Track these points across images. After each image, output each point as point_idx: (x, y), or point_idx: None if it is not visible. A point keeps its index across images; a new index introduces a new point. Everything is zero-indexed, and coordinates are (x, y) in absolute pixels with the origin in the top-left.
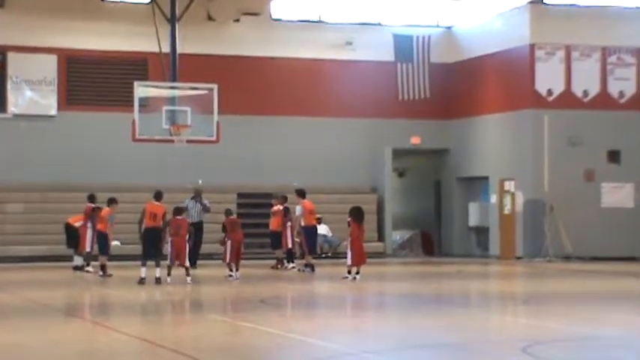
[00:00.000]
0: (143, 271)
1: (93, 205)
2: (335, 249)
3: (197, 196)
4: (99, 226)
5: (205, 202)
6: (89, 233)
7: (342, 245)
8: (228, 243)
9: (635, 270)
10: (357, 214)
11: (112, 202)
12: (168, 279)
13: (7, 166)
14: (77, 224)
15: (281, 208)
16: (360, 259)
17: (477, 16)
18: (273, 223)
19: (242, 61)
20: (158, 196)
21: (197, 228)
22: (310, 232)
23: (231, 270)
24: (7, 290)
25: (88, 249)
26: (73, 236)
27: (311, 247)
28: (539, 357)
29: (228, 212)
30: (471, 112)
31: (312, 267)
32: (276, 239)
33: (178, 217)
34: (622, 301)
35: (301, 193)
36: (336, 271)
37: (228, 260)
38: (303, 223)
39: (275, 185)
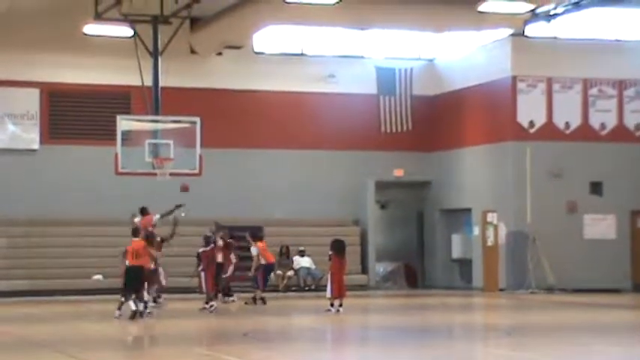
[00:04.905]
0: (132, 305)
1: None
2: (318, 281)
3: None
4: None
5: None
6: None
7: (325, 278)
8: (202, 274)
9: (617, 302)
10: (337, 247)
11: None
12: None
13: None
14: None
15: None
16: (340, 291)
17: (459, 48)
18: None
19: (224, 94)
20: (135, 232)
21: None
22: (269, 269)
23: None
24: None
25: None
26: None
27: (265, 282)
28: None
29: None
30: (454, 144)
31: (263, 300)
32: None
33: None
34: (604, 333)
35: (256, 236)
36: (319, 304)
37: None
38: (263, 262)
39: (258, 218)
